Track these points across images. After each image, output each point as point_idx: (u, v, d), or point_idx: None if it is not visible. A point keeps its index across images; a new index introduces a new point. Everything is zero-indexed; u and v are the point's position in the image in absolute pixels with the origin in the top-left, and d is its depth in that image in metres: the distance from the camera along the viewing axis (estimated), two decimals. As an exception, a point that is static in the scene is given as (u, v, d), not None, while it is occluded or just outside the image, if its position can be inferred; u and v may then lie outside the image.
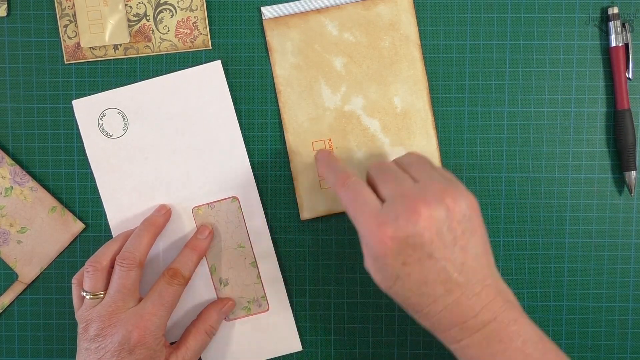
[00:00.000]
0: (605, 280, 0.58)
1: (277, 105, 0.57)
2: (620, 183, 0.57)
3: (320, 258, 0.58)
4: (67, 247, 0.58)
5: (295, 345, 0.58)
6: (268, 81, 0.57)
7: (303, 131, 0.57)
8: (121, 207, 0.57)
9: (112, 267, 0.53)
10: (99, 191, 0.57)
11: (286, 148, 0.57)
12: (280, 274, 0.57)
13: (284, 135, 0.57)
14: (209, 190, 0.57)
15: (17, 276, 0.58)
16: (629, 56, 0.56)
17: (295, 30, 0.56)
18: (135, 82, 0.57)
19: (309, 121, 0.57)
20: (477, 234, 0.45)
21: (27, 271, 0.58)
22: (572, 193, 0.57)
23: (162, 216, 0.55)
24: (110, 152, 0.57)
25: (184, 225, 0.57)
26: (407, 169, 0.47)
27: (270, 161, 0.57)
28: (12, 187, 0.57)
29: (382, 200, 0.45)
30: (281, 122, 0.57)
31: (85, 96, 0.57)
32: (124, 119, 0.56)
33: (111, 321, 0.50)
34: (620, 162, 0.57)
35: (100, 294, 0.52)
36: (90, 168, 0.57)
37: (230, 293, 0.57)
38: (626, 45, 0.56)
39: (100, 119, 0.56)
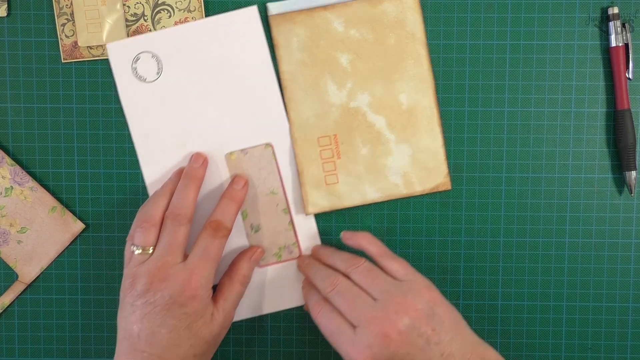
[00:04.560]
0: (605, 280, 0.58)
1: (283, 101, 0.57)
2: (620, 183, 0.57)
3: (320, 258, 0.58)
4: (67, 247, 0.58)
5: None
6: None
7: (309, 127, 0.57)
8: (154, 153, 0.57)
9: (162, 222, 0.53)
10: (132, 137, 0.57)
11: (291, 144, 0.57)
12: (314, 220, 0.57)
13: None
14: (242, 137, 0.56)
15: (17, 276, 0.58)
16: (629, 56, 0.56)
17: (301, 26, 0.56)
18: (135, 82, 0.57)
19: (314, 117, 0.57)
20: (446, 322, 0.49)
21: (27, 271, 0.58)
22: (572, 193, 0.57)
23: (201, 167, 0.55)
24: (144, 97, 0.56)
25: (217, 171, 0.57)
26: (362, 286, 0.50)
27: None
28: (12, 187, 0.57)
29: (353, 325, 0.49)
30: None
31: (86, 94, 0.57)
32: (158, 63, 0.56)
33: (160, 276, 0.50)
34: (620, 162, 0.57)
35: (150, 250, 0.52)
36: (89, 168, 0.57)
37: (261, 239, 0.57)
38: (626, 45, 0.55)
39: (134, 63, 0.56)
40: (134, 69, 0.56)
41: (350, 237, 0.54)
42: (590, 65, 0.57)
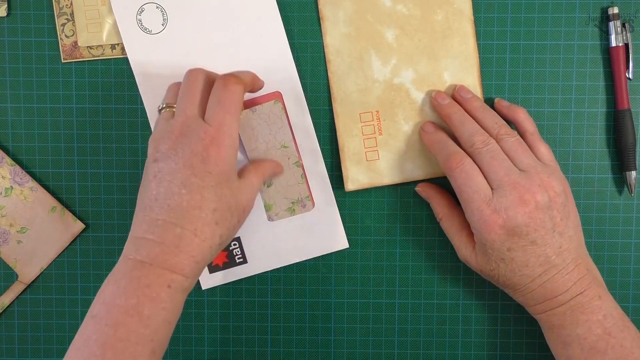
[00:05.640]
0: (606, 280, 0.57)
1: (327, 77, 0.57)
2: (620, 183, 0.57)
3: (320, 258, 0.58)
4: (67, 247, 0.58)
5: (342, 243, 0.57)
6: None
7: (351, 102, 0.56)
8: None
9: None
10: (139, 90, 0.56)
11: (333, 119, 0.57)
12: (326, 170, 0.57)
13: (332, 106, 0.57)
14: None
15: (17, 276, 0.58)
16: (629, 56, 0.56)
17: (348, 0, 0.56)
18: (135, 82, 0.57)
19: (357, 92, 0.56)
20: (571, 217, 0.50)
21: (27, 271, 0.58)
22: (572, 193, 0.57)
23: (258, 82, 0.54)
24: (150, 49, 0.56)
25: None
26: (509, 154, 0.50)
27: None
28: (12, 187, 0.57)
29: (491, 186, 0.49)
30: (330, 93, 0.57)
31: (86, 94, 0.57)
32: (163, 14, 0.55)
33: (182, 131, 0.47)
34: (620, 162, 0.57)
35: (174, 107, 0.50)
36: (89, 168, 0.57)
37: (274, 194, 0.57)
38: (626, 45, 0.55)
39: (138, 14, 0.55)
40: (139, 21, 0.55)
41: (506, 107, 0.54)
42: (590, 65, 0.57)
